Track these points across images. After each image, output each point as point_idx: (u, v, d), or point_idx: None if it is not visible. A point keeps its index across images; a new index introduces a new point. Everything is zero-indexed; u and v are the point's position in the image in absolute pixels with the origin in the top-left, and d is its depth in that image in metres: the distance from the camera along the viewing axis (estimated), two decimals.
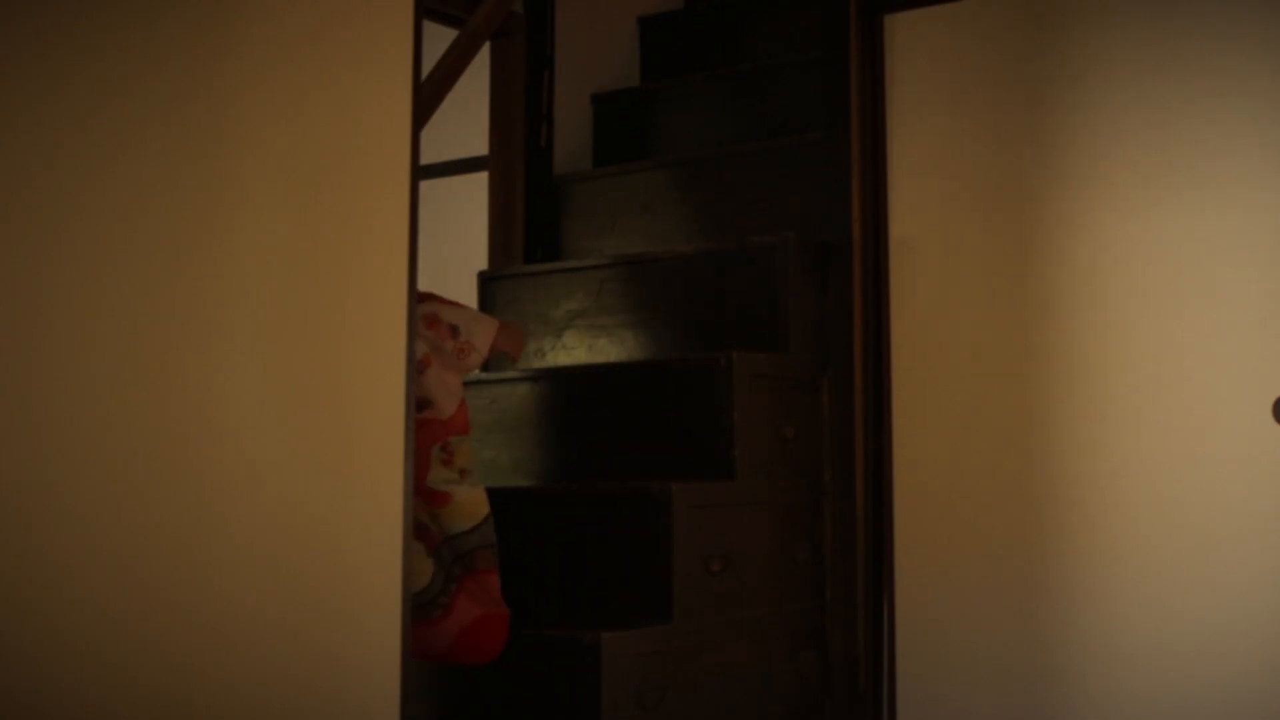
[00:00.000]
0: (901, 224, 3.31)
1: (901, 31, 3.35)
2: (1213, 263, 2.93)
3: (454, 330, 2.71)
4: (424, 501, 2.59)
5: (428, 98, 3.10)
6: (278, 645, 2.00)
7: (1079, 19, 3.12)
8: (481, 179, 3.89)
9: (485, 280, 3.62)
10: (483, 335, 2.72)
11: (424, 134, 2.35)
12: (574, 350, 3.38)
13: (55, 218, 1.77)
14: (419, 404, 2.63)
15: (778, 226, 3.33)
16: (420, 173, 2.29)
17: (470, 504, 2.65)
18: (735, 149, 3.60)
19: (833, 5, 3.37)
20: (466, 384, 2.95)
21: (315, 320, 2.08)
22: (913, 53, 3.33)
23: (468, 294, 3.53)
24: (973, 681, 3.11)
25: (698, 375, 3.03)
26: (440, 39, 3.53)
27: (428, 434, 2.61)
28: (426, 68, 3.12)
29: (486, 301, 3.61)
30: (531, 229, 3.73)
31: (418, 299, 2.58)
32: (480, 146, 3.87)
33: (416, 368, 2.57)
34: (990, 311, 3.17)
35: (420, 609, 2.54)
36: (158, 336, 1.87)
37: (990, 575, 3.11)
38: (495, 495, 3.08)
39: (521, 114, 3.81)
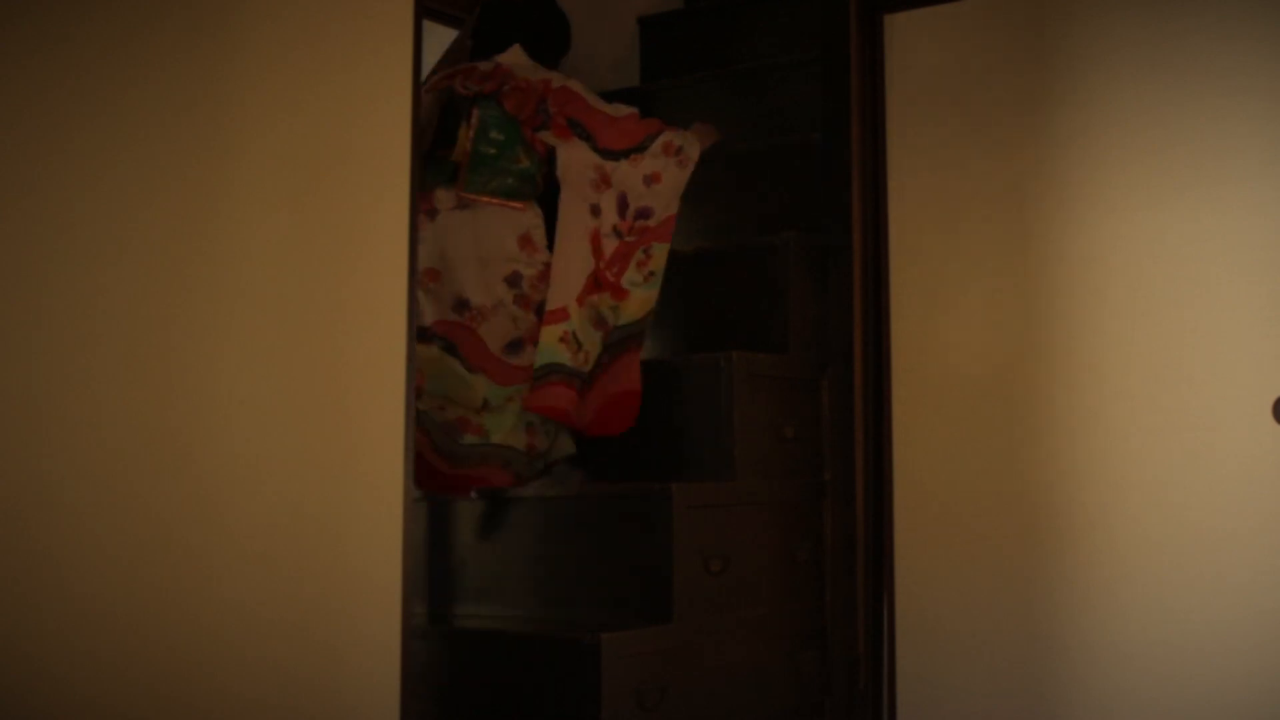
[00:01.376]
0: (901, 224, 3.31)
1: (901, 31, 3.35)
2: (1213, 263, 2.93)
3: (679, 149, 3.13)
4: (611, 295, 3.03)
5: None
6: (278, 644, 2.00)
7: (1080, 20, 3.12)
8: None
9: None
10: (693, 146, 3.16)
11: None
12: None
13: (56, 217, 1.77)
14: (643, 213, 3.05)
15: (778, 227, 3.33)
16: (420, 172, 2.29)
17: (642, 301, 3.08)
18: (734, 149, 3.60)
19: (832, 5, 3.37)
20: None
21: (315, 320, 2.08)
22: (913, 53, 3.33)
23: None
24: (973, 681, 3.11)
25: (698, 375, 3.03)
26: (440, 39, 3.53)
27: (640, 240, 3.07)
28: (426, 68, 3.13)
29: None
30: None
31: (652, 128, 3.14)
32: None
33: (645, 181, 3.07)
34: (990, 311, 3.17)
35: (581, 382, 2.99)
36: (158, 336, 1.87)
37: (990, 575, 3.11)
38: (493, 498, 3.08)
39: None
